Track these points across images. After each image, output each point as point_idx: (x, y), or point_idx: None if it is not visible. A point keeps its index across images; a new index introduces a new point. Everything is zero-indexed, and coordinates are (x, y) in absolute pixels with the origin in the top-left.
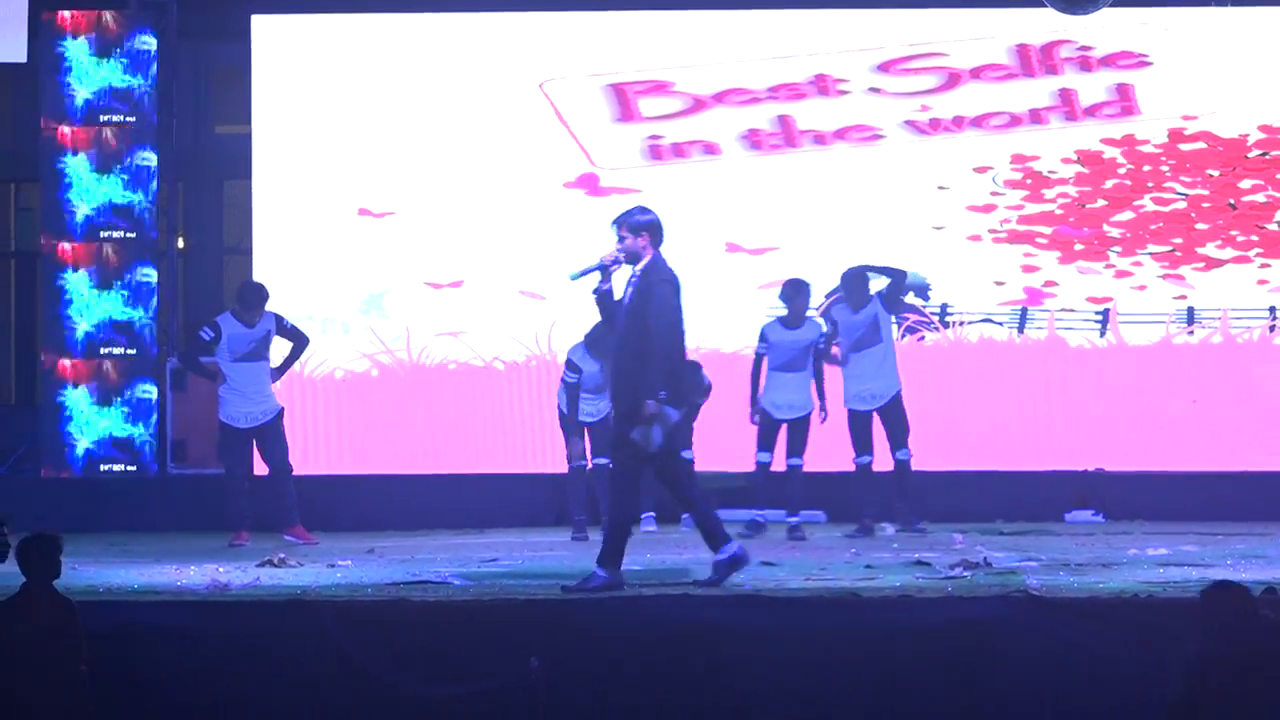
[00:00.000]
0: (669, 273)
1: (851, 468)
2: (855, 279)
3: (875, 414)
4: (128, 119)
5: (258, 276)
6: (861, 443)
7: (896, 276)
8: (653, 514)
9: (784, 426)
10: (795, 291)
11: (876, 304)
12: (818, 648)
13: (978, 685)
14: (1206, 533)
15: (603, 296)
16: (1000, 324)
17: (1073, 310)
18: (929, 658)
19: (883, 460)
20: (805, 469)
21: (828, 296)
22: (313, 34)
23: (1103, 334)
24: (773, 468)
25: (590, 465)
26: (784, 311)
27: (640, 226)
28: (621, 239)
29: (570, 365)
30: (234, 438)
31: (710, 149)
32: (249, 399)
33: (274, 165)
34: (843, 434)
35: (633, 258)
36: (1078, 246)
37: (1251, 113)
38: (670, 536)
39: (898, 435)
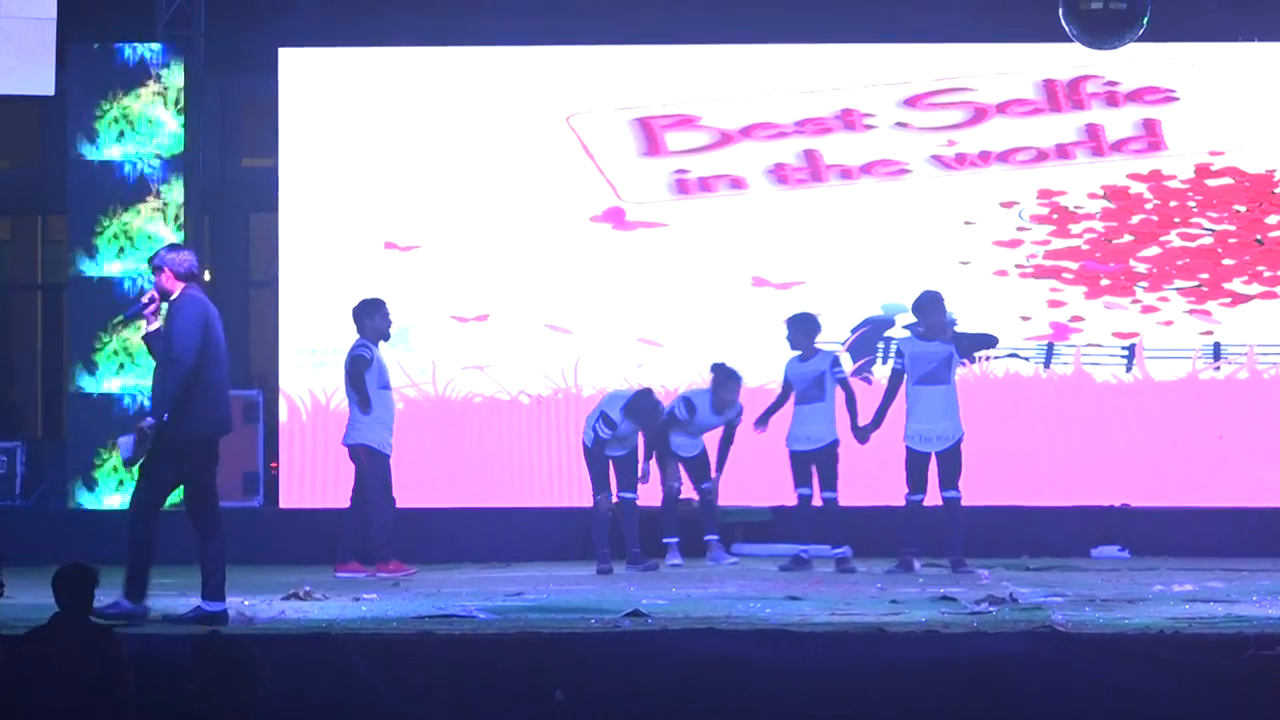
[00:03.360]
0: (196, 303)
1: (882, 502)
2: (934, 306)
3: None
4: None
5: (284, 310)
6: (916, 482)
7: (989, 344)
8: (677, 544)
9: (812, 459)
10: (797, 326)
11: (951, 341)
12: (843, 682)
13: None
14: (1232, 569)
15: (149, 337)
16: (1026, 359)
17: (1099, 345)
18: (954, 693)
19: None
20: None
21: (859, 327)
22: (340, 67)
23: (1129, 369)
24: (812, 501)
25: (615, 499)
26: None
27: (160, 264)
28: (153, 278)
29: (607, 419)
30: (384, 465)
31: (737, 183)
32: (388, 428)
33: (300, 198)
34: (874, 467)
35: (164, 294)
36: (1104, 282)
37: (1278, 148)
38: (696, 571)
39: (951, 476)
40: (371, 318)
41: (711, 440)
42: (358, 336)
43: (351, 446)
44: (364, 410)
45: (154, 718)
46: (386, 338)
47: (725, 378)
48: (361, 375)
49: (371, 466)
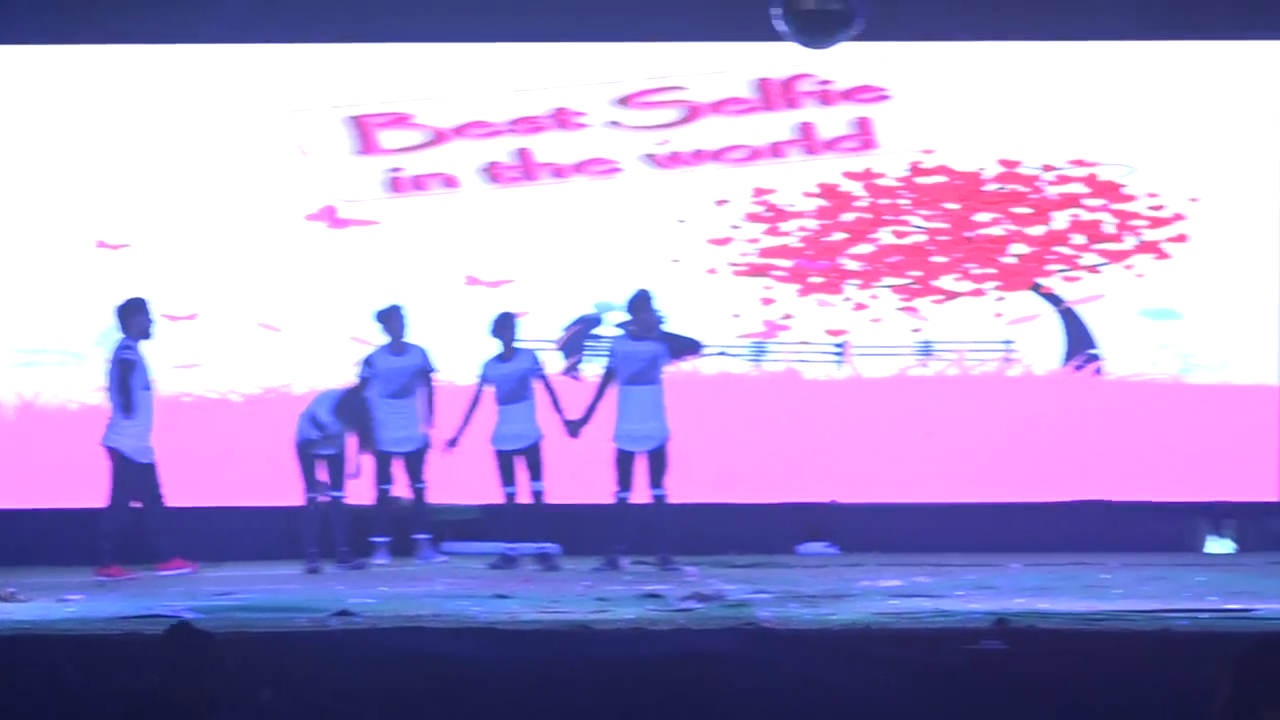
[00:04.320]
0: None
1: (590, 501)
2: (644, 305)
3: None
4: None
5: None
6: (624, 480)
7: (695, 349)
8: (387, 544)
9: (519, 458)
10: (502, 325)
11: (661, 342)
12: (550, 680)
13: (708, 718)
14: (938, 564)
15: None
16: (737, 356)
17: (810, 343)
18: (660, 690)
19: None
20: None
21: (571, 325)
22: (48, 65)
23: (840, 366)
24: (518, 499)
25: (326, 498)
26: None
27: None
28: None
29: (315, 420)
30: (133, 472)
31: (450, 182)
32: (146, 432)
33: (6, 197)
34: (583, 466)
35: None
36: (816, 279)
37: (988, 146)
38: (405, 569)
39: (658, 475)
40: (135, 316)
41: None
42: (121, 336)
43: (107, 448)
44: (126, 414)
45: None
46: (150, 336)
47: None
48: (128, 379)
49: (120, 473)
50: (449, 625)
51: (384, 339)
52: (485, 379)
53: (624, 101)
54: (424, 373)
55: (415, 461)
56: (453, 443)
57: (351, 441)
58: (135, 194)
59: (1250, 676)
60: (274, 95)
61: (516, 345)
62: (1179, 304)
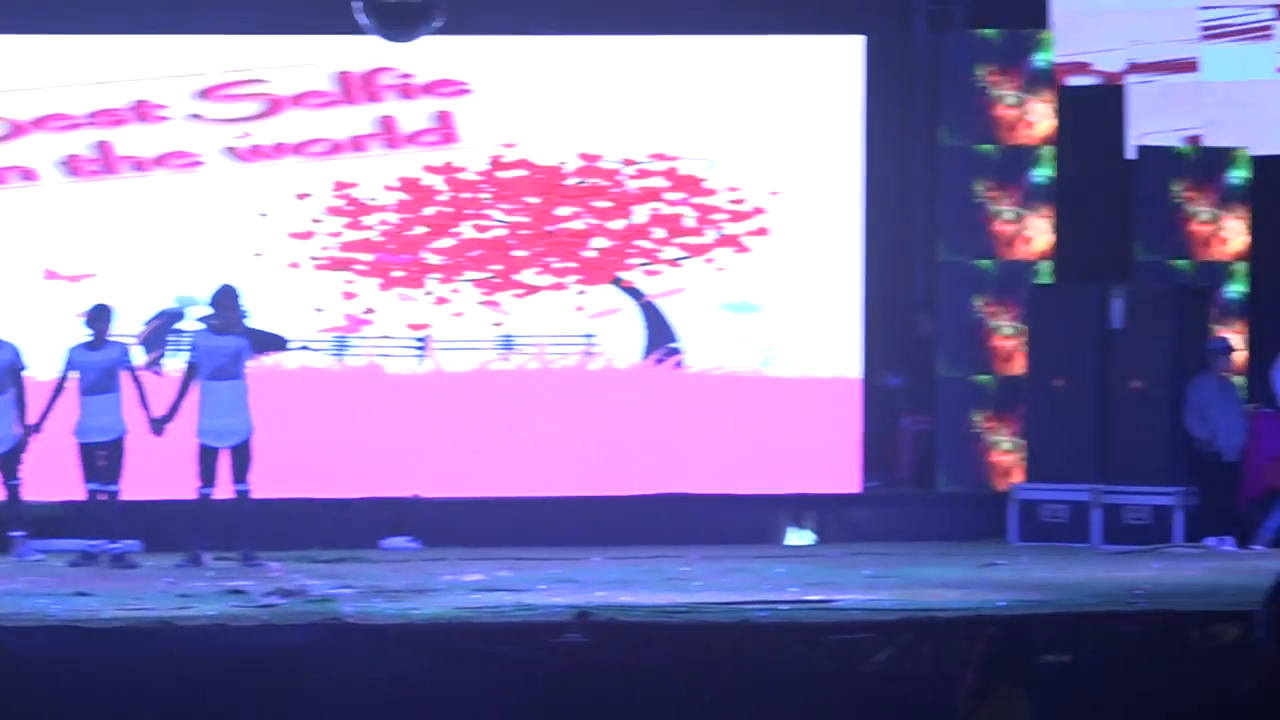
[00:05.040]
0: None
1: (172, 496)
2: (228, 300)
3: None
4: None
5: None
6: (207, 475)
7: (279, 345)
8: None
9: (100, 450)
10: (97, 315)
11: (244, 338)
12: (133, 678)
13: (292, 714)
14: (521, 558)
15: None
16: (320, 351)
17: (392, 337)
18: (243, 686)
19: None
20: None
21: (152, 319)
22: None
23: (421, 360)
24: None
25: None
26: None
27: None
28: None
29: None
30: None
31: (28, 175)
32: None
33: None
34: (165, 461)
35: None
36: (397, 273)
37: (569, 140)
38: None
39: (241, 470)
40: None
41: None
42: None
43: None
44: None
45: None
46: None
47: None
48: None
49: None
50: (28, 624)
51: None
52: (71, 365)
53: (205, 94)
54: (14, 370)
55: (10, 460)
56: (36, 428)
57: None
58: None
59: (990, 660)
60: None
61: (109, 338)
62: (759, 297)
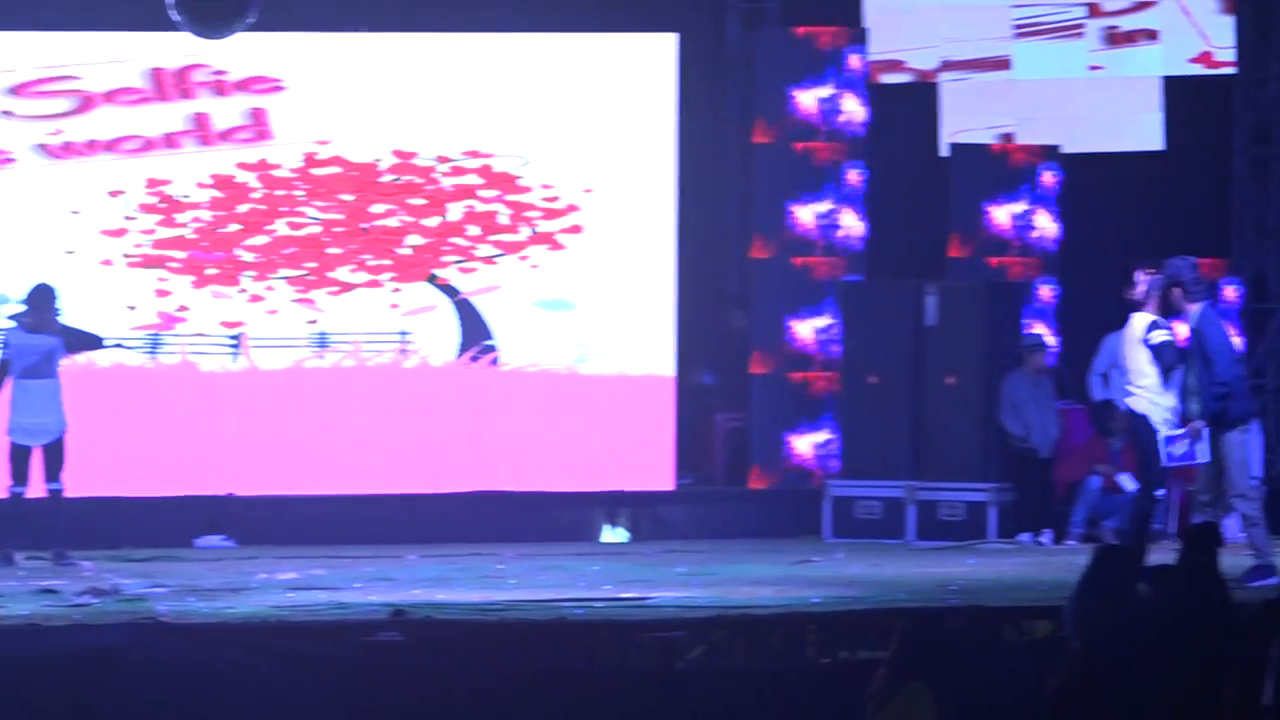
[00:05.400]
0: None
1: None
2: (42, 299)
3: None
4: None
5: None
6: (19, 474)
7: (94, 344)
8: None
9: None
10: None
11: (58, 336)
12: None
13: (106, 714)
14: (337, 556)
15: None
16: (133, 349)
17: (205, 335)
18: (58, 687)
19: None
20: None
21: None
22: None
23: (235, 358)
24: None
25: None
26: None
27: None
28: None
29: None
30: None
31: None
32: None
33: None
34: None
35: None
36: (211, 271)
37: (383, 137)
38: None
39: (54, 469)
40: None
41: None
42: None
43: None
44: None
45: None
46: None
47: None
48: None
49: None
50: None
51: None
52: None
53: (15, 91)
54: None
55: None
56: None
57: None
58: None
59: (903, 653)
60: None
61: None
62: (574, 295)
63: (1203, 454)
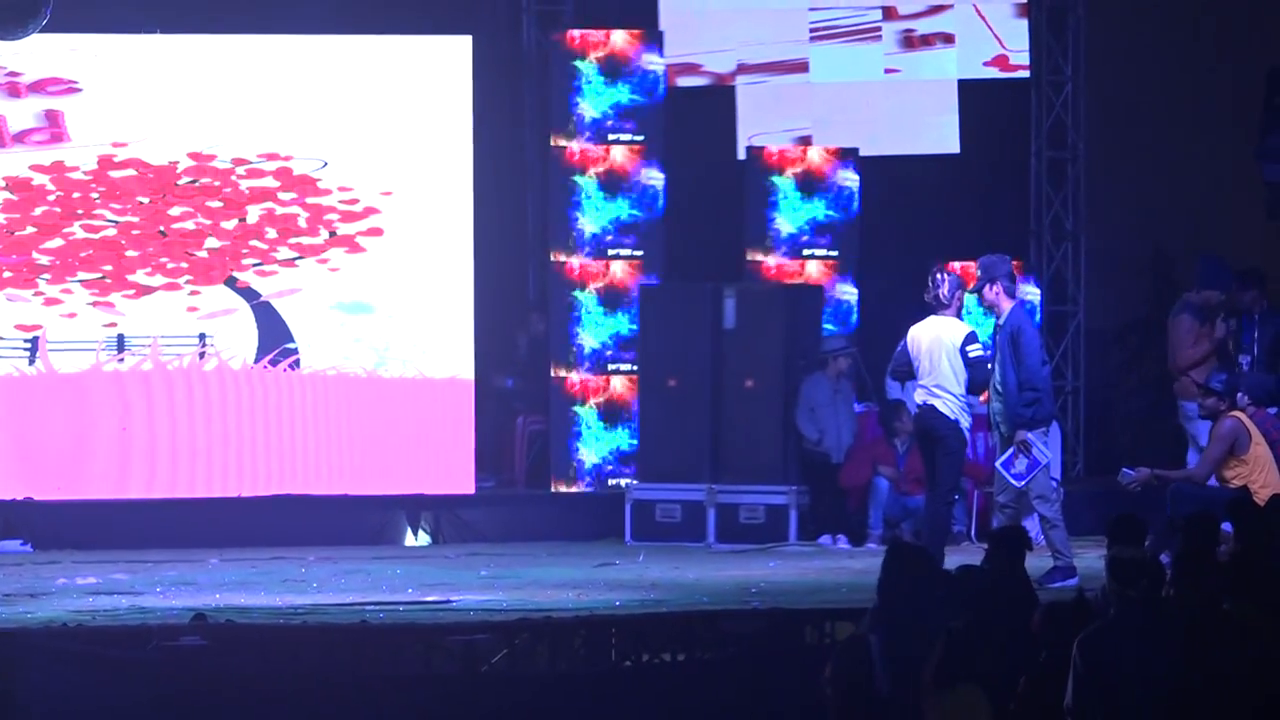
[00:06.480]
0: None
1: None
2: None
3: None
4: None
5: None
6: None
7: None
8: None
9: None
10: None
11: None
12: None
13: None
14: (137, 560)
15: None
16: None
17: (1, 338)
18: None
19: None
20: None
21: None
22: None
23: (31, 362)
24: None
25: None
26: None
27: None
28: None
29: None
30: None
31: None
32: None
33: None
34: None
35: None
36: (6, 274)
37: (181, 140)
38: None
39: None
40: None
41: None
42: None
43: None
44: None
45: None
46: None
47: None
48: None
49: None
50: None
51: None
52: None
53: None
54: None
55: None
56: None
57: None
58: None
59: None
60: None
61: None
62: (373, 298)
63: (1042, 456)
